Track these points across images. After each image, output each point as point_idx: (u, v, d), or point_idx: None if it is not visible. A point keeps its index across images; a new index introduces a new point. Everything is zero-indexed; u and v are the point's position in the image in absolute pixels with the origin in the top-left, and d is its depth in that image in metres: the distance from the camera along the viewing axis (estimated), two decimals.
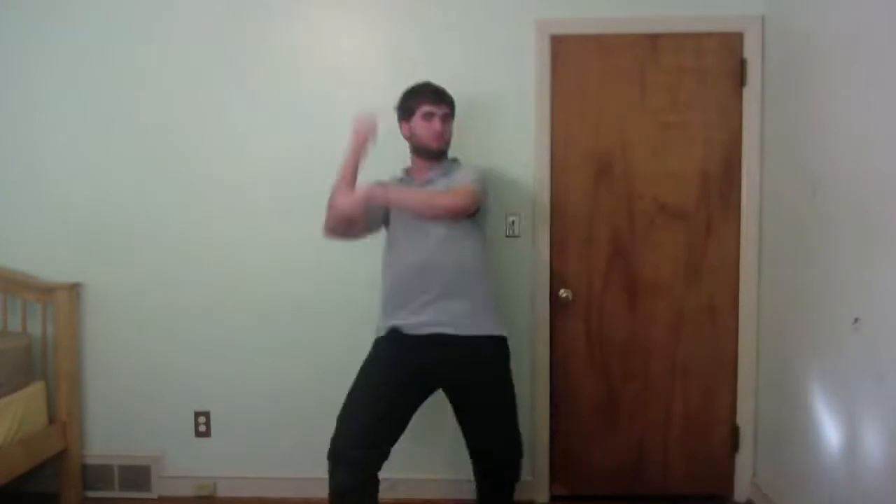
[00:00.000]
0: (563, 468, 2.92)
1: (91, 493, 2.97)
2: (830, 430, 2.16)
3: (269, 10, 2.87)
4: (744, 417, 2.85)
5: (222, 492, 2.98)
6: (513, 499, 2.36)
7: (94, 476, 2.97)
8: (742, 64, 2.77)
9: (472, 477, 2.38)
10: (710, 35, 2.78)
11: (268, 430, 2.96)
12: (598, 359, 2.88)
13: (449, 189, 2.24)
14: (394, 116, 2.43)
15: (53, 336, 2.87)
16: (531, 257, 2.85)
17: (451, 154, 2.46)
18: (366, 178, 2.36)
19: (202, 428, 2.98)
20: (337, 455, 2.14)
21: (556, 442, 2.91)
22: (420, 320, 2.21)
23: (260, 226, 2.91)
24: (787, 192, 2.55)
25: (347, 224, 2.33)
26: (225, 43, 2.88)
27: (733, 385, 2.86)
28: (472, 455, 2.32)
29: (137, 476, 2.98)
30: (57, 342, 2.86)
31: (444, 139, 2.36)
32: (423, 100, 2.33)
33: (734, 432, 2.88)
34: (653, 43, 2.79)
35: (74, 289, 2.90)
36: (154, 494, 2.99)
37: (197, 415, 2.97)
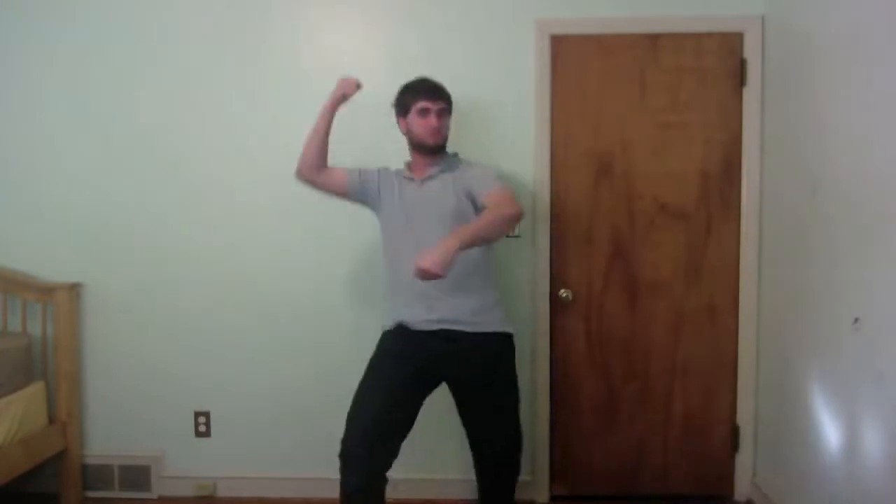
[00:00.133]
0: (563, 468, 2.92)
1: (91, 493, 2.97)
2: (830, 430, 2.16)
3: (269, 10, 2.87)
4: (744, 417, 2.85)
5: (222, 492, 2.98)
6: (514, 497, 2.36)
7: (94, 476, 2.97)
8: (742, 64, 2.77)
9: (472, 476, 2.39)
10: (710, 35, 2.78)
11: (268, 430, 2.96)
12: (598, 359, 2.88)
13: (477, 194, 2.23)
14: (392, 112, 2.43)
15: (53, 336, 2.87)
16: (531, 257, 2.85)
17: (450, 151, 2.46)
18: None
19: (202, 428, 2.98)
20: (347, 455, 2.15)
21: (556, 442, 2.91)
22: (428, 317, 2.22)
23: (260, 226, 2.92)
24: (787, 192, 2.55)
25: (317, 176, 2.46)
26: (225, 43, 2.88)
27: (733, 385, 2.86)
28: (473, 447, 2.33)
29: (137, 476, 2.98)
30: (57, 342, 2.86)
31: (441, 135, 2.35)
32: (419, 96, 2.33)
33: (734, 432, 2.88)
34: (653, 43, 2.79)
35: (74, 289, 2.90)
36: (154, 494, 2.99)
37: (197, 415, 2.98)
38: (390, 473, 2.20)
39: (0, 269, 2.89)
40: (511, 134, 2.82)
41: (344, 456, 2.16)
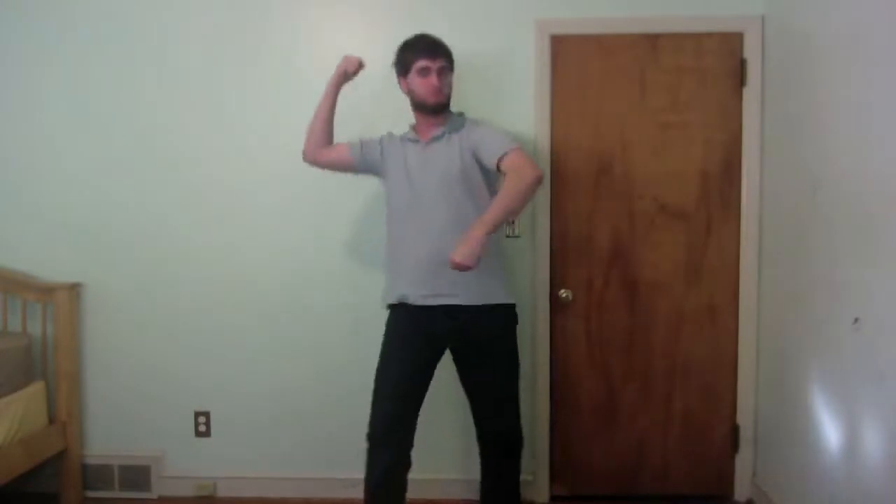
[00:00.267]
0: (563, 468, 2.92)
1: (91, 493, 2.97)
2: (830, 430, 2.16)
3: (269, 10, 2.87)
4: (744, 417, 2.85)
5: (222, 492, 2.98)
6: (518, 496, 2.36)
7: (94, 476, 2.97)
8: (742, 64, 2.77)
9: (473, 476, 2.39)
10: (710, 35, 2.78)
11: (268, 430, 2.96)
12: (598, 359, 2.88)
13: (487, 155, 2.18)
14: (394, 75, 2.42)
15: (53, 336, 2.87)
16: (531, 257, 2.85)
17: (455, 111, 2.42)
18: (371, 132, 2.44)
19: (202, 428, 2.98)
20: (376, 438, 2.22)
21: (557, 442, 2.91)
22: (427, 291, 2.22)
23: (260, 226, 2.92)
24: (787, 192, 2.55)
25: (322, 156, 2.48)
26: (225, 43, 2.88)
27: (733, 385, 2.86)
28: (476, 423, 2.33)
29: (137, 476, 2.98)
30: (57, 342, 2.86)
31: (443, 93, 2.30)
32: (418, 55, 2.28)
33: (734, 432, 2.88)
34: (653, 43, 2.79)
35: (74, 289, 2.90)
36: (154, 494, 2.99)
37: (197, 415, 2.97)
38: None
39: (0, 269, 2.89)
40: (511, 134, 2.81)
41: (373, 438, 2.22)
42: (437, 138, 2.30)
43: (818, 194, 2.26)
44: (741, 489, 2.88)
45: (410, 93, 2.34)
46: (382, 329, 2.35)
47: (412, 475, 2.28)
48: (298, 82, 2.86)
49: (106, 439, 2.99)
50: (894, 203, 1.83)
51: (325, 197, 2.89)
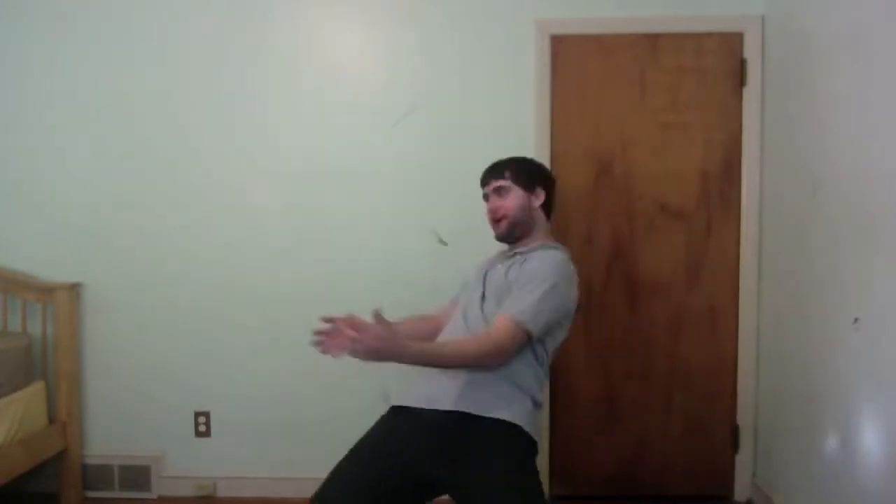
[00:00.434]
0: (563, 468, 2.92)
1: (91, 493, 2.97)
2: (830, 430, 2.16)
3: (269, 10, 2.87)
4: (744, 417, 2.85)
5: (222, 492, 2.98)
6: None
7: (94, 476, 2.97)
8: (742, 64, 2.77)
9: None
10: (710, 35, 2.78)
11: (268, 430, 2.96)
12: (598, 359, 2.88)
13: (505, 297, 1.92)
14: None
15: (53, 336, 2.87)
16: None
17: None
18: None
19: (202, 428, 2.98)
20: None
21: (556, 442, 2.91)
22: (417, 391, 1.96)
23: (260, 226, 2.91)
24: (787, 192, 2.55)
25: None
26: (225, 43, 2.88)
27: (733, 385, 2.86)
28: None
29: (137, 476, 2.98)
30: (57, 342, 2.86)
31: (501, 215, 2.09)
32: (482, 185, 2.17)
33: (734, 432, 2.88)
34: (653, 43, 2.79)
35: (74, 289, 2.90)
36: (154, 494, 2.99)
37: (197, 415, 2.97)
38: None
39: (0, 269, 2.89)
40: (511, 134, 2.82)
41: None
42: (510, 268, 2.02)
43: (818, 194, 2.25)
44: (741, 489, 2.88)
45: None
46: None
47: None
48: (298, 82, 2.86)
49: (106, 439, 2.98)
50: (894, 203, 1.83)
51: (324, 197, 2.89)
